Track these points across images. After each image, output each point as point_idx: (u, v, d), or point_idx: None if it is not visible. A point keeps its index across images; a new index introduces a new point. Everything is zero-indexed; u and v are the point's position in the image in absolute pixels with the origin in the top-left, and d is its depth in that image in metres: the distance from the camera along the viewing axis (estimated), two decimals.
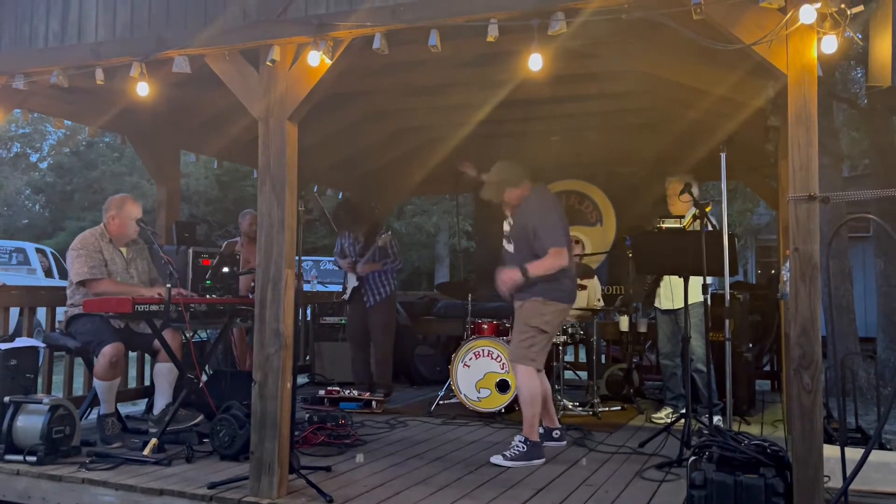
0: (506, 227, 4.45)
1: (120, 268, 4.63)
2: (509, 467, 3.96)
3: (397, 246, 6.31)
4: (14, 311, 5.00)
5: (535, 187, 4.36)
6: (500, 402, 5.30)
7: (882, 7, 2.98)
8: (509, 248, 4.40)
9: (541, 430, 4.30)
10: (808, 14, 2.78)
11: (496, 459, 4.06)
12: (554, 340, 5.49)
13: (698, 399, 5.04)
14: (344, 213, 6.34)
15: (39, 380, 4.52)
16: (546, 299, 4.17)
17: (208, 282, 4.69)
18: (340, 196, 8.48)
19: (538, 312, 4.17)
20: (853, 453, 3.00)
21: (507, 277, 4.16)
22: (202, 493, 3.38)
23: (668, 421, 4.89)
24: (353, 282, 6.24)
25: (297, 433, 3.98)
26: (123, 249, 4.70)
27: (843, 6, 2.81)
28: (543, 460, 4.07)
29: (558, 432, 4.51)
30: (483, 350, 5.37)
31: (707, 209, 4.42)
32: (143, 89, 3.89)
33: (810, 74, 2.87)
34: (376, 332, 6.20)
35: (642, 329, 6.34)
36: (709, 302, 4.30)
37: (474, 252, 10.01)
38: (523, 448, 4.06)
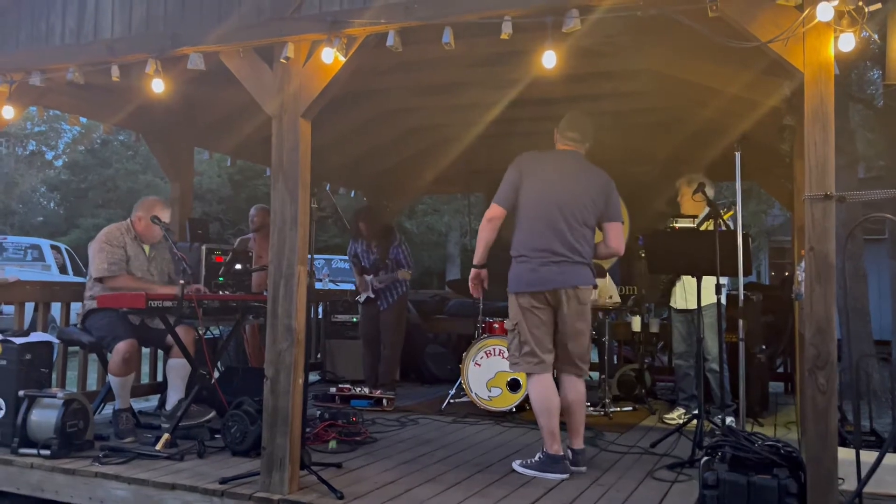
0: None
1: (142, 265, 4.68)
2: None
3: (411, 256, 6.40)
4: (29, 307, 5.04)
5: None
6: (511, 401, 5.29)
7: None
8: None
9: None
10: (825, 12, 2.76)
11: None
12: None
13: (711, 400, 5.01)
14: (363, 224, 6.38)
15: (54, 374, 4.55)
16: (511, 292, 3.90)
17: (221, 278, 4.71)
18: (353, 194, 8.49)
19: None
20: (868, 456, 2.98)
21: None
22: (214, 487, 3.40)
23: (681, 421, 4.86)
24: (368, 292, 6.33)
25: (308, 430, 3.99)
26: (146, 248, 4.75)
27: (860, 4, 2.78)
28: (562, 476, 3.70)
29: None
30: (494, 349, 5.36)
31: (727, 216, 4.36)
32: (157, 86, 3.92)
33: (827, 72, 2.85)
34: (386, 333, 6.35)
35: (654, 329, 6.32)
36: (724, 301, 4.27)
37: None
38: (538, 458, 3.83)
